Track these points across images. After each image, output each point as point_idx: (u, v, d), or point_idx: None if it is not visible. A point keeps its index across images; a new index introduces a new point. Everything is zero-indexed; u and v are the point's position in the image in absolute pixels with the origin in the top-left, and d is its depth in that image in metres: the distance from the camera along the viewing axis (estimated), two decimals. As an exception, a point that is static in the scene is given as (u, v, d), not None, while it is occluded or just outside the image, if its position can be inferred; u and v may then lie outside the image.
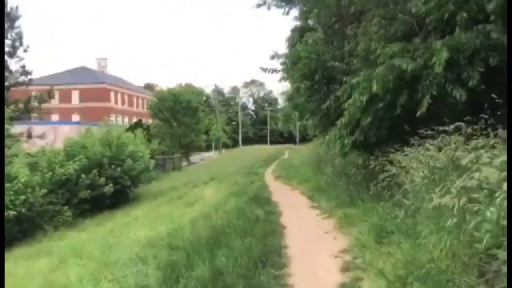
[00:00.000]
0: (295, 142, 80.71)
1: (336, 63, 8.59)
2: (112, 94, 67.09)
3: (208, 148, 58.54)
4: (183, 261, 5.19)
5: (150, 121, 48.75)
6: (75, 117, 59.03)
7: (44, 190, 13.97)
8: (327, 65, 8.42)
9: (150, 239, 7.51)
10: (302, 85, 9.16)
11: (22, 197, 12.37)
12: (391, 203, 6.05)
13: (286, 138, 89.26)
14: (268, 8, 11.34)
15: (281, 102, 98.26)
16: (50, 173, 15.15)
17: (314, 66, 8.49)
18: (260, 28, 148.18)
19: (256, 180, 18.84)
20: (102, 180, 16.58)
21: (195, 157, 51.44)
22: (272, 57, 9.41)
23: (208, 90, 75.04)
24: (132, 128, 32.79)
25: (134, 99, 73.80)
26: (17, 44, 21.33)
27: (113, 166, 17.51)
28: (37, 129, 24.38)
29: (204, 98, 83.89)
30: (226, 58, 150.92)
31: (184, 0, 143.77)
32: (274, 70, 9.45)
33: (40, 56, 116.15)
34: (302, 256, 5.45)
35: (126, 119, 63.14)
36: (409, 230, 4.64)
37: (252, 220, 7.61)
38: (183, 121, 42.27)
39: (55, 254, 9.17)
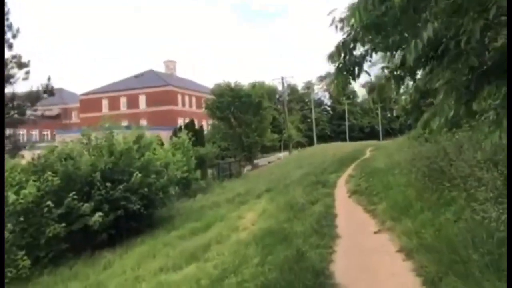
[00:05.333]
0: (378, 138, 71.68)
1: None
2: (179, 97, 64.65)
3: (281, 148, 52.72)
4: None
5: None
6: (143, 122, 57.21)
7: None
8: None
9: None
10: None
11: None
12: None
13: (367, 133, 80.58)
14: None
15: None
16: (-2, 200, 10.32)
17: None
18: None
19: (320, 198, 12.45)
20: (86, 206, 11.28)
21: (262, 160, 45.84)
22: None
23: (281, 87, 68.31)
24: (177, 131, 28.08)
25: (203, 101, 70.80)
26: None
27: (109, 184, 12.17)
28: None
29: (277, 96, 78.47)
30: (300, 54, 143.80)
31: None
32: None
33: (112, 62, 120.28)
34: None
35: (195, 122, 59.87)
36: None
37: None
38: (243, 119, 36.65)
39: None
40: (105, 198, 12.03)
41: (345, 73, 3.32)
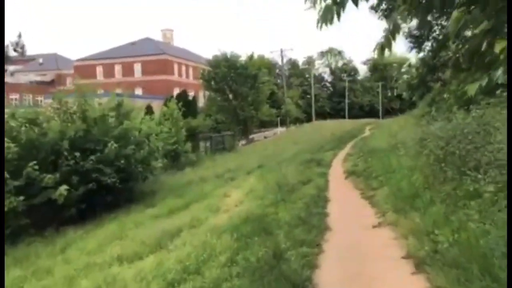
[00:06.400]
0: (378, 117, 70.35)
1: None
2: (175, 67, 62.39)
3: (279, 123, 51.36)
4: None
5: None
6: (138, 91, 55.48)
7: None
8: None
9: None
10: None
11: None
12: None
13: (367, 111, 79.13)
14: None
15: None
16: None
17: None
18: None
19: (314, 178, 11.32)
20: (49, 178, 10.01)
21: (258, 134, 44.59)
22: None
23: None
24: (168, 101, 26.64)
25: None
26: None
27: (78, 154, 10.85)
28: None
29: (277, 71, 76.34)
30: (302, 27, 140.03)
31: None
32: None
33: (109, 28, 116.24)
34: None
35: (192, 93, 58.07)
36: None
37: None
38: (239, 92, 35.07)
39: None
40: (74, 169, 10.75)
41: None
